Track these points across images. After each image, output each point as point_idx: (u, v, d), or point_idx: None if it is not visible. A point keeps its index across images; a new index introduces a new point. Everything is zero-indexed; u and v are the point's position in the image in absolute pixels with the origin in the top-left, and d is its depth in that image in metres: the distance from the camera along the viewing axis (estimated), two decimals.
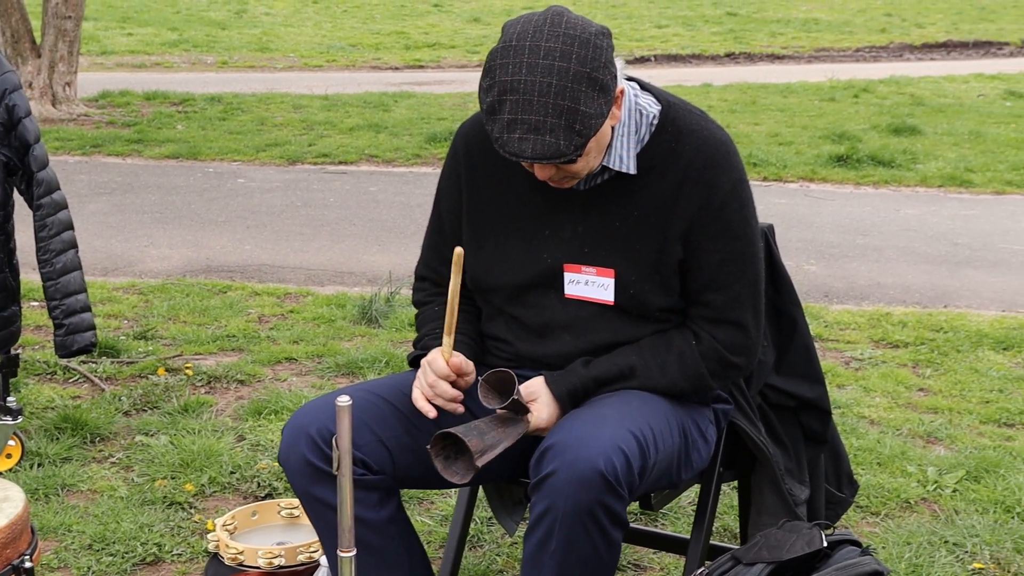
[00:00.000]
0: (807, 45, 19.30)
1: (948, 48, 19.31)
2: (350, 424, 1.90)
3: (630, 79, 2.49)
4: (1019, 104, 12.78)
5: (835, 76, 14.80)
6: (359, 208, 7.84)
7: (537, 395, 2.41)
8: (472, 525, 3.48)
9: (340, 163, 9.32)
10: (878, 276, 6.51)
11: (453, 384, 2.44)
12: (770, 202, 8.24)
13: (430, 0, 24.34)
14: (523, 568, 2.30)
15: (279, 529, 3.25)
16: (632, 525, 3.36)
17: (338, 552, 1.95)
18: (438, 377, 2.42)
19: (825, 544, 2.31)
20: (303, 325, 5.33)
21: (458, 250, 2.31)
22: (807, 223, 7.66)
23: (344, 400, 1.91)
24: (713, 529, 3.50)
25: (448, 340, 2.41)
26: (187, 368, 4.66)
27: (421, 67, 16.07)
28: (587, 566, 2.25)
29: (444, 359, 2.42)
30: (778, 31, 21.08)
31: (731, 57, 17.86)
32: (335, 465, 1.95)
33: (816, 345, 5.16)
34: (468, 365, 2.45)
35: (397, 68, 15.91)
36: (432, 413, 2.41)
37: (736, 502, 3.21)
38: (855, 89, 13.69)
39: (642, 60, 17.20)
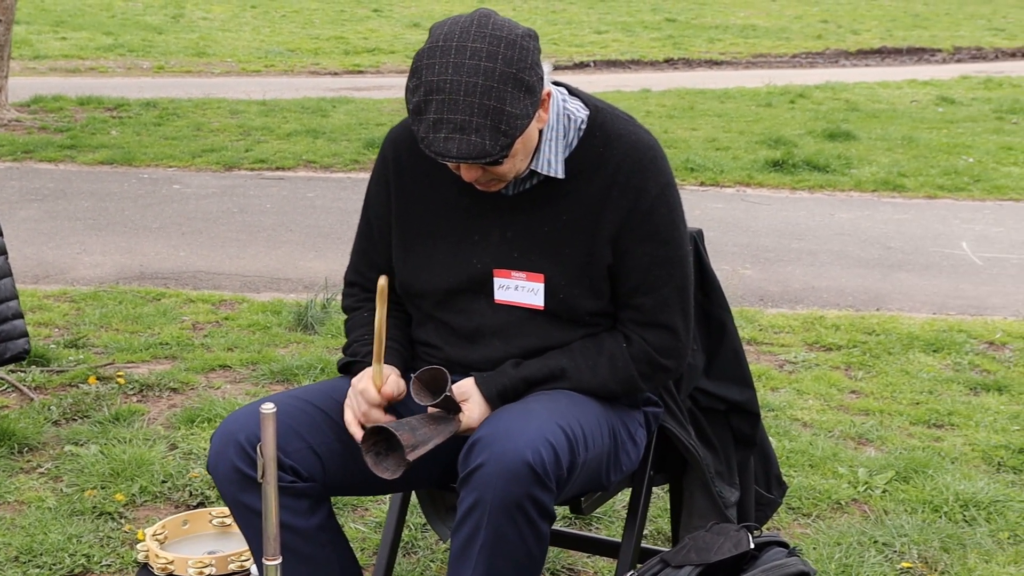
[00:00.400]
0: (745, 51, 19.47)
1: (883, 54, 19.57)
2: (274, 431, 1.89)
3: (559, 84, 2.50)
4: (951, 110, 12.98)
5: (772, 82, 14.95)
6: (296, 214, 7.80)
7: (468, 395, 2.42)
8: (406, 532, 3.47)
9: (277, 169, 9.26)
10: (812, 280, 6.58)
11: (385, 409, 2.44)
12: (707, 207, 8.30)
13: (369, 5, 24.28)
14: (450, 564, 2.29)
15: (211, 538, 3.22)
16: (565, 529, 3.37)
17: (263, 560, 1.94)
18: (370, 406, 2.41)
19: (752, 546, 2.33)
20: (238, 332, 5.29)
21: (382, 281, 2.29)
22: (743, 227, 7.73)
23: (268, 407, 1.89)
24: (647, 532, 3.54)
25: (378, 367, 2.40)
26: (119, 376, 4.60)
27: (360, 72, 16.02)
28: (516, 559, 2.25)
29: (375, 387, 2.41)
30: (716, 37, 21.26)
31: (670, 63, 17.97)
32: (260, 472, 1.94)
33: (751, 348, 5.29)
34: (399, 390, 2.45)
35: (336, 73, 15.84)
36: (360, 437, 2.40)
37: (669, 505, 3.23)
38: (791, 95, 13.83)
39: (582, 66, 17.27)
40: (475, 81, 2.20)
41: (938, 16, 26.11)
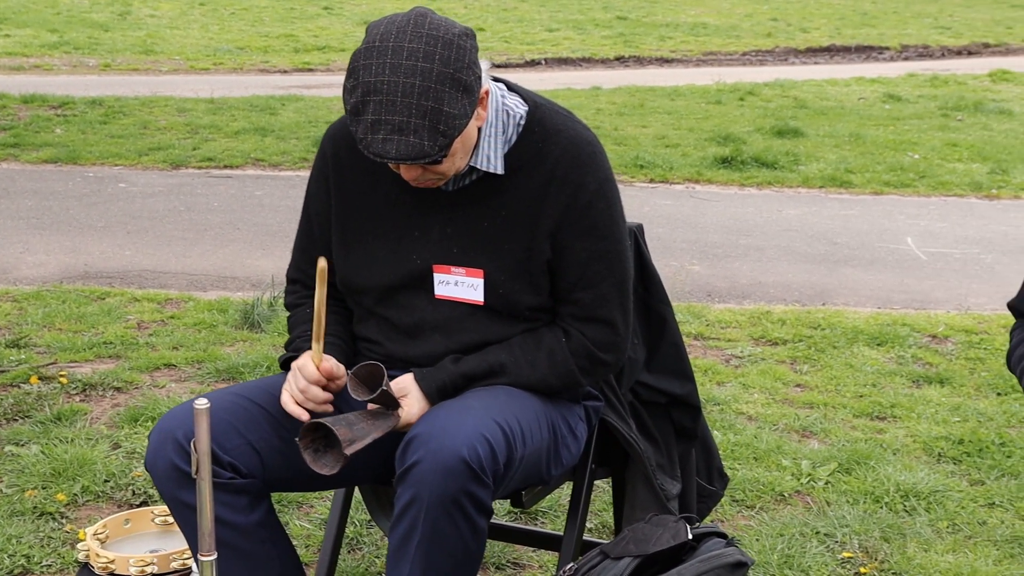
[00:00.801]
0: (695, 49, 19.56)
1: (831, 52, 19.72)
2: (208, 427, 1.89)
3: (497, 80, 2.51)
4: (897, 107, 13.10)
5: (722, 79, 15.02)
6: (244, 212, 7.75)
7: (407, 391, 2.42)
8: (352, 528, 3.47)
9: (225, 167, 9.19)
10: (759, 275, 6.63)
11: (324, 388, 2.43)
12: (656, 204, 8.34)
13: (320, 3, 24.15)
14: (388, 560, 2.30)
15: (153, 537, 3.20)
16: (510, 523, 3.39)
17: (198, 556, 1.93)
18: (309, 382, 2.40)
19: (690, 536, 2.35)
20: (183, 331, 5.26)
21: (321, 263, 2.28)
22: (692, 224, 7.77)
23: (201, 403, 1.89)
24: (592, 526, 3.55)
25: (317, 346, 2.40)
26: (61, 376, 4.56)
27: (310, 70, 15.93)
28: (453, 555, 2.26)
29: (315, 364, 2.40)
30: (667, 35, 21.33)
31: (621, 60, 18.02)
32: (194, 468, 1.93)
33: (697, 343, 5.32)
34: (339, 369, 2.45)
35: (286, 71, 15.75)
36: (304, 416, 2.40)
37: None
38: (741, 92, 13.90)
39: (533, 63, 17.28)
40: (412, 82, 2.20)
41: (886, 14, 26.35)
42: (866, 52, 19.78)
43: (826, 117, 12.21)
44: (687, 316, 5.63)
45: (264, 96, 12.57)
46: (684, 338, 5.24)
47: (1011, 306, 2.37)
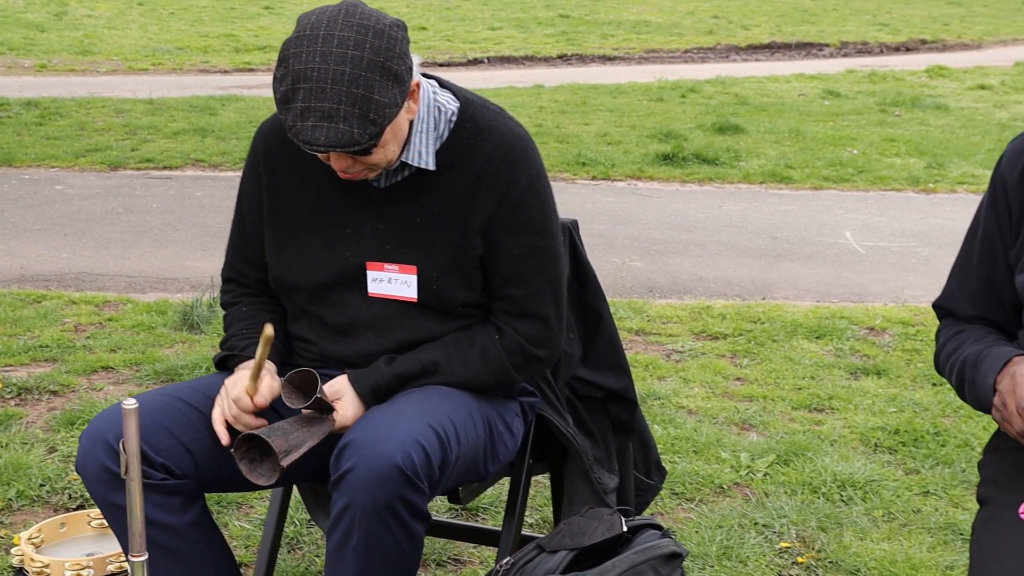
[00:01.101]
0: (637, 47, 19.65)
1: (772, 49, 19.89)
2: (136, 427, 1.87)
3: (429, 77, 2.51)
4: (837, 103, 13.24)
5: (664, 77, 15.11)
6: (183, 213, 7.69)
7: (341, 393, 2.41)
8: (292, 527, 3.45)
9: (164, 168, 9.11)
10: (701, 271, 6.67)
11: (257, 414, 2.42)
12: (598, 201, 8.37)
13: (260, 3, 24.01)
14: (326, 566, 2.29)
15: (89, 540, 3.18)
16: (450, 520, 3.38)
17: (128, 556, 1.92)
18: (241, 411, 2.39)
19: (625, 528, 2.36)
20: (122, 333, 5.20)
21: (267, 330, 2.27)
22: (634, 220, 7.81)
23: (130, 403, 1.87)
24: (533, 521, 3.56)
25: (252, 384, 2.37)
26: None
27: (251, 70, 15.83)
28: (389, 561, 2.25)
29: (248, 394, 2.38)
30: (609, 33, 21.42)
31: (563, 59, 18.06)
32: (123, 469, 1.91)
33: (639, 339, 5.35)
34: (272, 396, 2.42)
35: (226, 71, 15.64)
36: (226, 440, 2.37)
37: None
38: (682, 89, 13.99)
39: (476, 62, 17.28)
40: (342, 69, 2.19)
41: (825, 11, 26.63)
42: (806, 49, 19.97)
43: (766, 113, 12.31)
44: (628, 312, 5.65)
45: (204, 96, 12.47)
46: (626, 334, 5.34)
47: (936, 306, 2.39)
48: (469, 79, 14.68)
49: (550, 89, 13.91)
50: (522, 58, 17.87)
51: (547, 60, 17.87)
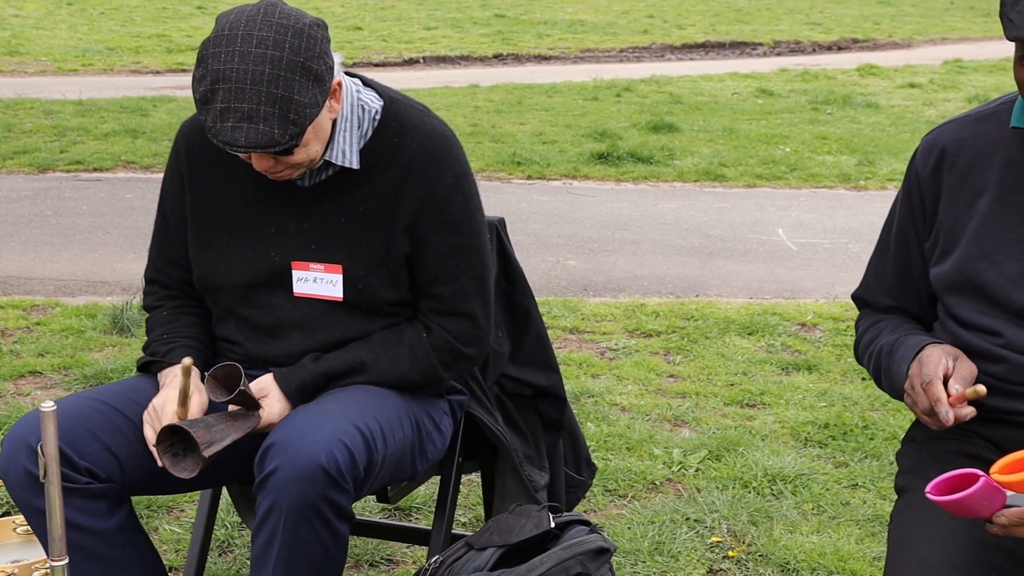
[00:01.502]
0: (573, 46, 19.70)
1: (706, 49, 20.03)
2: (55, 430, 1.85)
3: (353, 76, 2.50)
4: (770, 101, 13.36)
5: (599, 76, 15.16)
6: (114, 216, 7.60)
7: (267, 391, 2.40)
8: (223, 530, 3.43)
9: (95, 170, 9.00)
10: (635, 269, 6.70)
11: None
12: (533, 200, 8.38)
13: (192, 2, 23.77)
14: (252, 568, 2.28)
15: (15, 547, 3.13)
16: (382, 520, 3.38)
17: (50, 561, 1.89)
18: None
19: (553, 525, 2.37)
20: (50, 337, 5.13)
21: (186, 361, 2.27)
22: (568, 219, 7.83)
23: (48, 406, 1.85)
24: (467, 520, 3.56)
25: (182, 409, 2.35)
26: None
27: (184, 71, 15.65)
28: (314, 561, 2.24)
29: (180, 418, 2.35)
30: (545, 32, 21.45)
31: (499, 58, 18.07)
32: (42, 472, 1.89)
33: (573, 337, 5.37)
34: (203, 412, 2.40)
35: (158, 72, 15.47)
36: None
37: None
38: (617, 88, 14.05)
39: (411, 62, 17.23)
40: (262, 70, 2.18)
41: (759, 11, 26.86)
42: (740, 48, 20.14)
43: (701, 112, 12.40)
44: (563, 310, 5.67)
45: (135, 97, 12.33)
46: (560, 332, 5.36)
47: (855, 297, 2.43)
48: (404, 79, 14.65)
49: (485, 89, 13.91)
50: (458, 58, 17.85)
51: (483, 60, 17.87)
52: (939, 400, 1.95)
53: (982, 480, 1.71)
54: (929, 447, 2.18)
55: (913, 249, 2.26)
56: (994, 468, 1.78)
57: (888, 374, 2.16)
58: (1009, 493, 1.76)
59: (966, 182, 2.16)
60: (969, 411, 1.97)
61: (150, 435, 2.37)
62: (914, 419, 2.32)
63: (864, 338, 2.31)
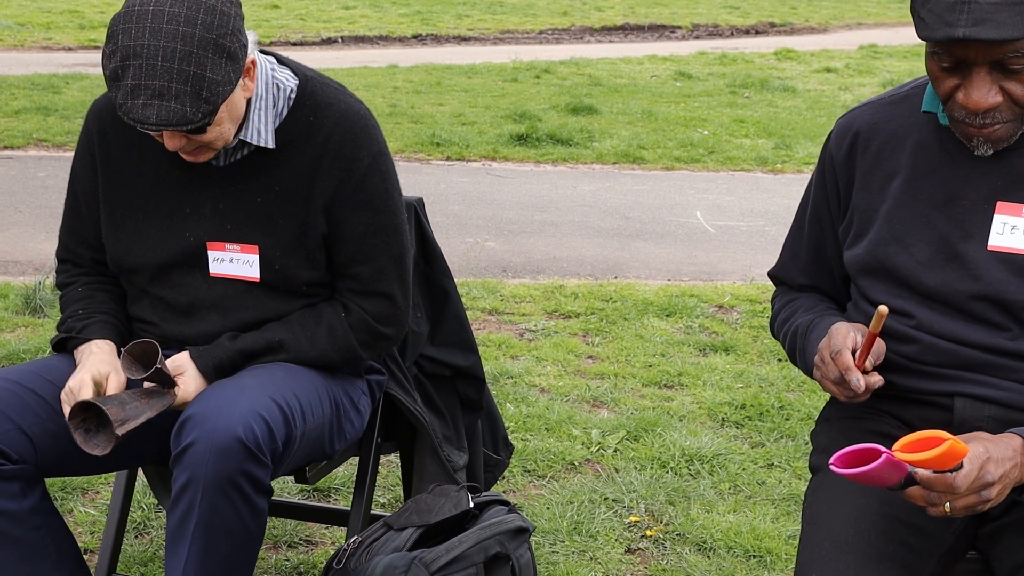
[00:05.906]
0: (492, 27, 19.67)
1: (625, 31, 20.13)
2: None
3: (268, 54, 2.47)
4: (688, 84, 13.46)
5: (518, 57, 15.16)
6: (25, 195, 7.45)
7: (183, 369, 2.37)
8: (140, 512, 3.39)
9: (5, 148, 8.81)
10: (554, 250, 6.72)
11: None
12: (453, 181, 8.37)
13: None
14: (167, 543, 2.25)
15: None
16: (301, 501, 3.36)
17: None
18: None
19: (472, 505, 2.37)
20: None
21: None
22: (488, 201, 7.83)
23: None
24: (387, 500, 3.56)
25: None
26: None
27: (96, 47, 15.37)
28: (232, 535, 2.22)
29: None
30: (464, 13, 21.40)
31: (418, 39, 17.99)
32: None
33: (492, 318, 5.37)
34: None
35: (70, 48, 15.18)
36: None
37: None
38: (537, 70, 14.06)
39: (329, 42, 17.09)
40: (173, 46, 2.15)
41: None
42: (659, 31, 20.26)
43: (620, 94, 12.45)
44: (482, 292, 5.67)
45: (47, 74, 12.09)
46: (479, 313, 5.36)
47: (771, 275, 2.46)
48: (322, 59, 14.53)
49: (405, 69, 13.84)
50: (376, 38, 17.74)
51: (402, 40, 17.78)
52: (848, 368, 1.97)
53: (883, 456, 1.75)
54: (842, 426, 2.21)
55: (827, 230, 2.29)
56: (897, 445, 1.82)
57: (803, 354, 2.19)
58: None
59: (879, 165, 2.19)
60: (878, 379, 2.00)
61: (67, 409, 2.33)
62: (828, 399, 2.36)
63: (780, 315, 2.34)
